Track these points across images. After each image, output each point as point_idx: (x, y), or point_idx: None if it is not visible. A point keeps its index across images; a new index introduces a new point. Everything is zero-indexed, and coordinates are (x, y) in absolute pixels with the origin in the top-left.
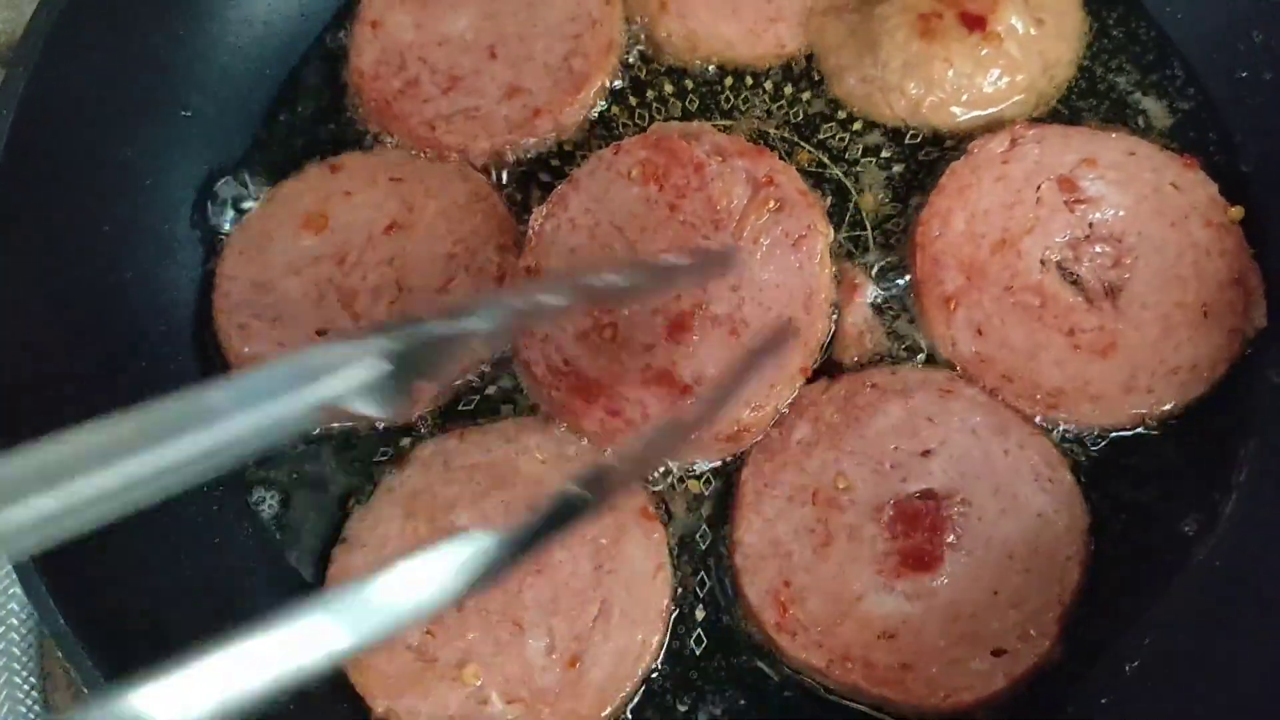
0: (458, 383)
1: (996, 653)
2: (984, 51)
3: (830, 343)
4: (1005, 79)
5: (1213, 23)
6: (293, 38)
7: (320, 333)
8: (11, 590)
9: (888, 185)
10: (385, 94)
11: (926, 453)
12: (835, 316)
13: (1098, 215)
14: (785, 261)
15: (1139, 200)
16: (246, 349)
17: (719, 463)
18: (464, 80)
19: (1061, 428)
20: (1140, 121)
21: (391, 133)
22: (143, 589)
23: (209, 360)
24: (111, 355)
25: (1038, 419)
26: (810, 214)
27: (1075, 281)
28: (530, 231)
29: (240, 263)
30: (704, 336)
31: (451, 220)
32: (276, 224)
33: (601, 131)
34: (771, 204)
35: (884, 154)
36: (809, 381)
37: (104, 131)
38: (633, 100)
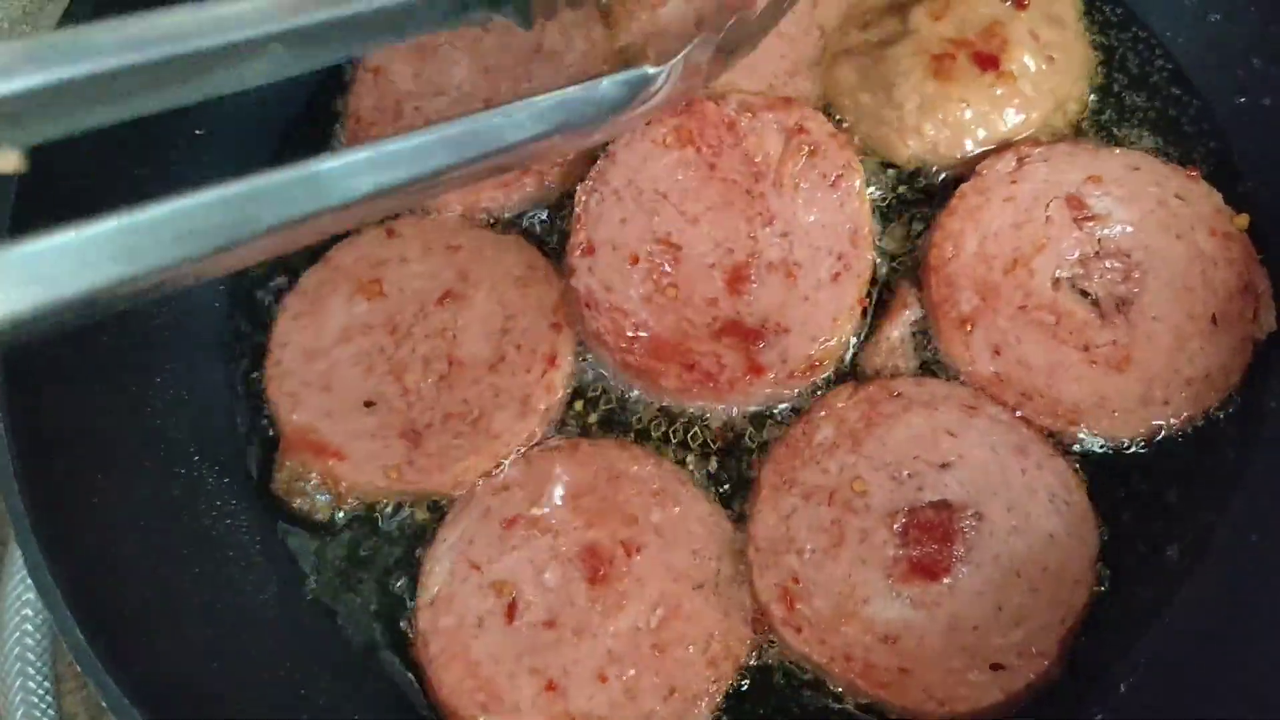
0: None
1: (995, 667)
2: (999, 91)
3: (861, 349)
4: (1020, 116)
5: (1215, 49)
6: None
7: (368, 404)
8: (25, 596)
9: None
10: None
11: (945, 465)
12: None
13: (1106, 231)
14: (827, 201)
15: (1145, 214)
16: (296, 417)
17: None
18: None
19: (1080, 444)
20: (1143, 142)
21: None
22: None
23: (230, 383)
24: (129, 371)
25: (1059, 434)
26: (844, 154)
27: (1088, 297)
28: (577, 208)
29: (293, 328)
30: (762, 282)
31: (505, 293)
32: (331, 289)
33: None
34: (805, 149)
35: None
36: (835, 383)
37: (118, 148)
38: None
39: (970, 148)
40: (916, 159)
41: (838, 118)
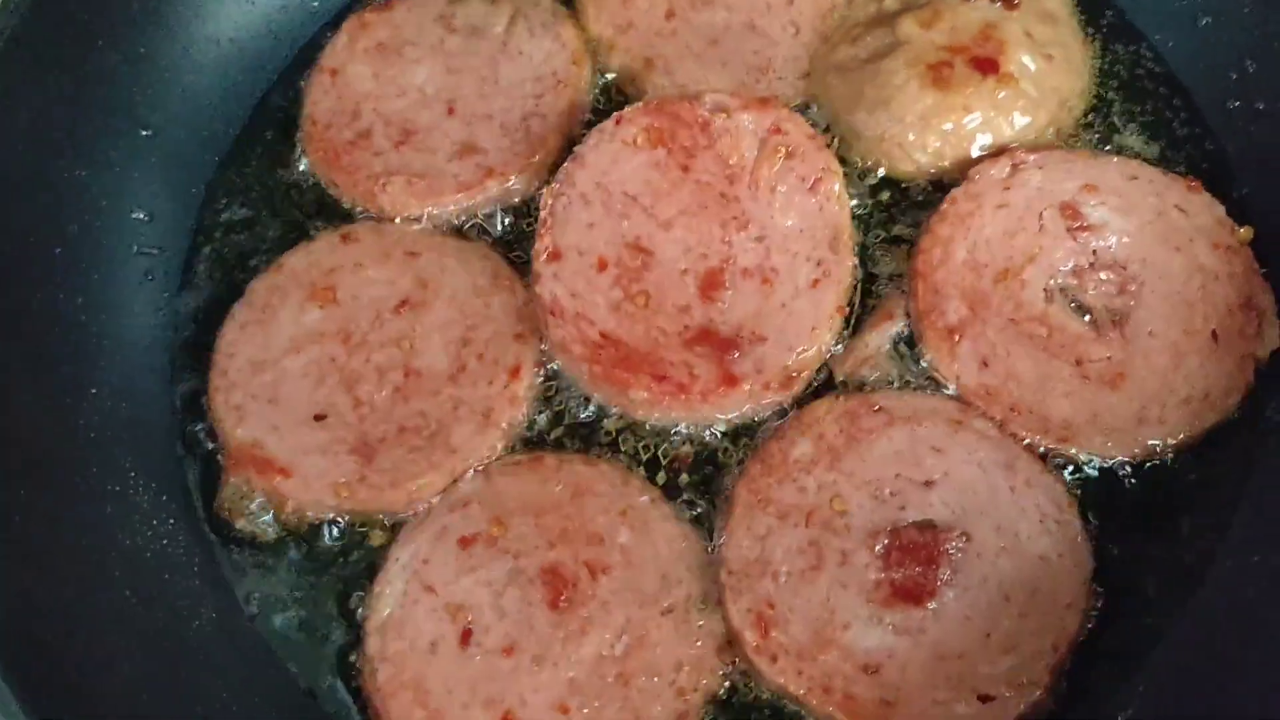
0: None
1: (984, 698)
2: (1002, 94)
3: (842, 353)
4: (1027, 118)
5: (1208, 54)
6: (262, 58)
7: (319, 417)
8: None
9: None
10: (336, 144)
11: (929, 483)
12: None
13: (1101, 242)
14: (805, 205)
15: (1142, 225)
16: (240, 432)
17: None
18: (417, 135)
19: (1072, 464)
20: (1138, 148)
21: (337, 184)
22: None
23: (171, 395)
24: (63, 382)
25: (1049, 452)
26: (821, 156)
27: (1081, 310)
28: (543, 212)
29: (241, 337)
30: (737, 289)
31: (466, 301)
32: (281, 297)
33: None
34: (782, 152)
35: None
36: (815, 397)
37: (59, 150)
38: None
39: (978, 155)
40: (922, 172)
41: (824, 127)
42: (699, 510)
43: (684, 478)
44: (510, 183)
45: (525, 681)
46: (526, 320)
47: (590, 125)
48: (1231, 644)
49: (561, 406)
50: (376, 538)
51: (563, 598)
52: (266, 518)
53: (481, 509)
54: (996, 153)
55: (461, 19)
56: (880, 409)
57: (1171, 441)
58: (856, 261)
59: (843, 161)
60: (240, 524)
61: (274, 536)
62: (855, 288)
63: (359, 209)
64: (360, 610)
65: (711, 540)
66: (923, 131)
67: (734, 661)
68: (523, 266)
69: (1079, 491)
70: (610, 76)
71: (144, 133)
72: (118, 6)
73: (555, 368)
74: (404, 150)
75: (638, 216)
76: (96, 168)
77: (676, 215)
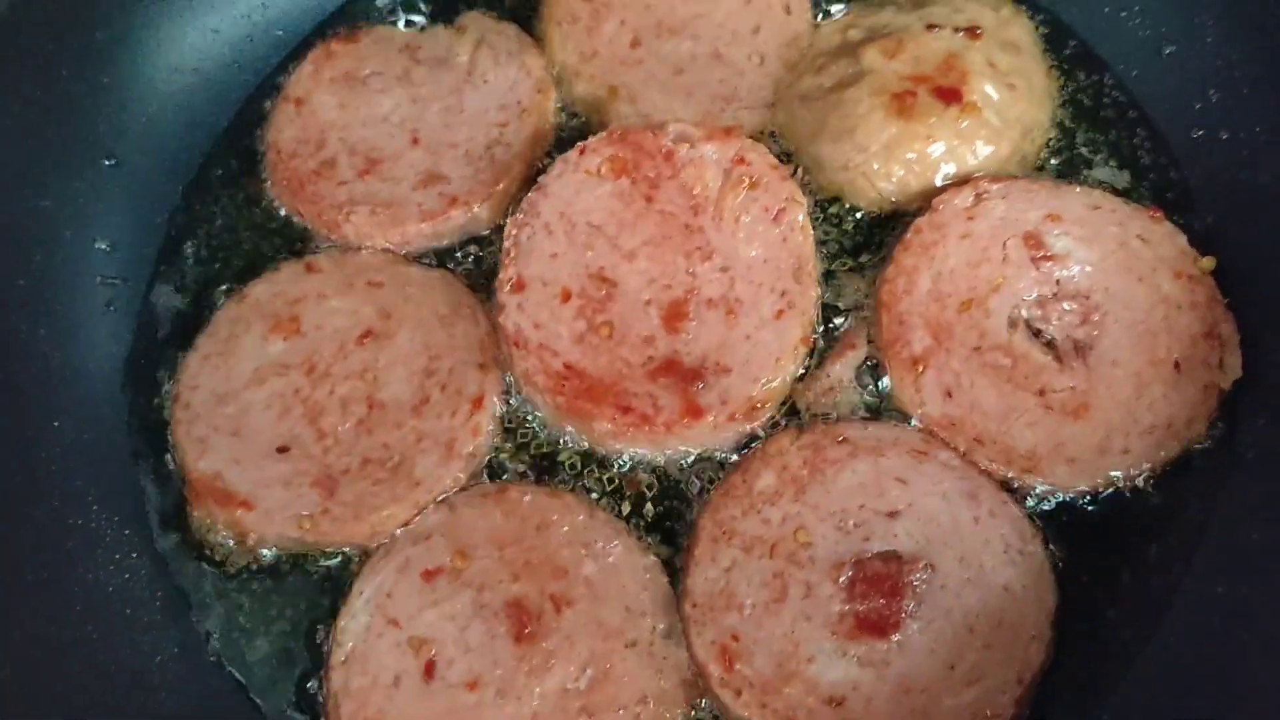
0: None
1: None
2: (964, 123)
3: (800, 382)
4: (990, 147)
5: (1171, 83)
6: (227, 87)
7: (281, 449)
8: None
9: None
10: (300, 173)
11: (893, 514)
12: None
13: (1064, 272)
14: (769, 236)
15: (1105, 255)
16: (202, 464)
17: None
18: (382, 164)
19: (1036, 494)
20: (1102, 177)
21: (300, 213)
22: None
23: (134, 427)
24: (24, 413)
25: (1013, 482)
26: (785, 186)
27: (1045, 340)
28: (506, 242)
29: (204, 369)
30: (701, 320)
31: (430, 332)
32: (244, 327)
33: None
34: (746, 182)
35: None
36: (775, 428)
37: (20, 179)
38: None
39: (942, 184)
40: (886, 201)
41: (788, 155)
42: (662, 543)
43: (648, 509)
44: (474, 211)
45: (489, 715)
46: (489, 350)
47: (555, 154)
48: (1196, 674)
49: (525, 438)
50: (339, 570)
51: (527, 630)
52: (231, 548)
53: (445, 541)
54: (960, 182)
55: (426, 50)
56: (844, 440)
57: (1135, 471)
58: (820, 292)
59: (807, 190)
60: (212, 552)
61: (236, 569)
62: (819, 318)
63: (323, 238)
64: (323, 642)
65: (676, 573)
66: (887, 160)
67: (699, 695)
68: (486, 295)
69: (1042, 522)
70: (575, 106)
71: (107, 163)
72: (81, 36)
73: (518, 399)
74: (368, 179)
75: (601, 247)
76: (59, 198)
77: (640, 245)
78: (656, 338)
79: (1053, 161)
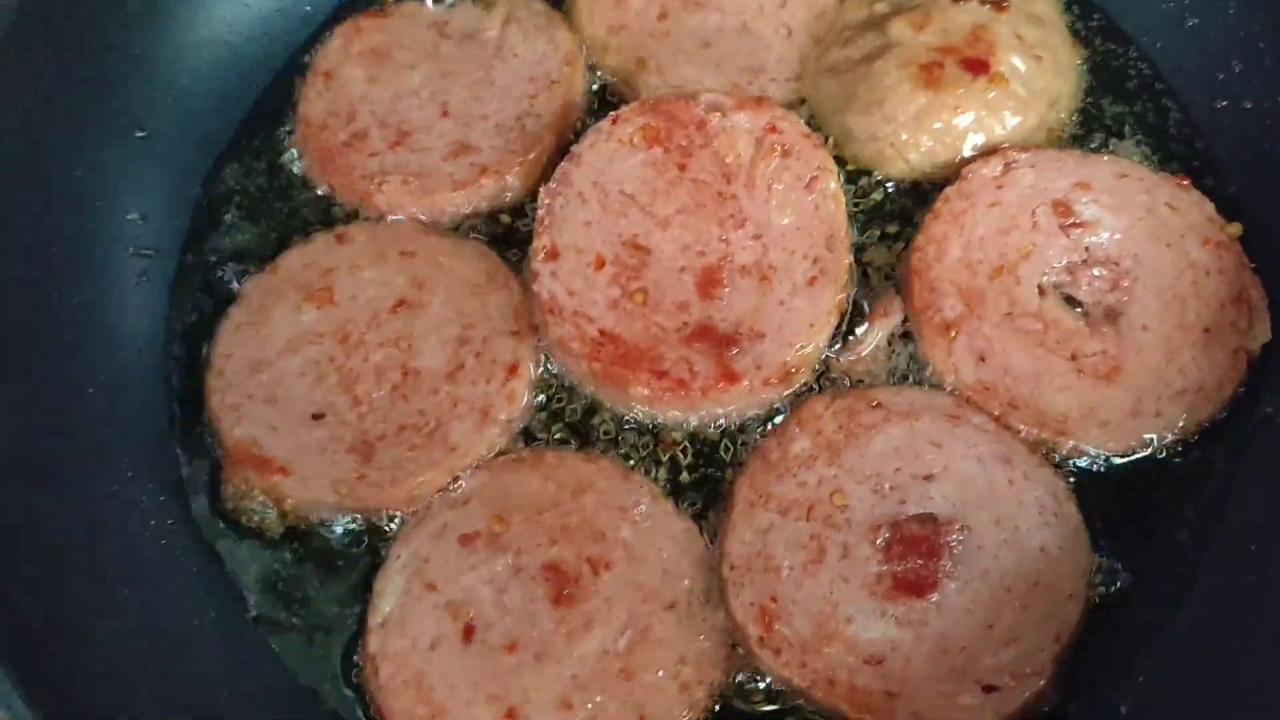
0: None
1: (988, 689)
2: (992, 94)
3: (834, 348)
4: (1017, 118)
5: (1195, 54)
6: (257, 60)
7: (317, 416)
8: None
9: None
10: (330, 146)
11: (928, 477)
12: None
13: (1094, 239)
14: (801, 204)
15: (1134, 222)
16: (238, 431)
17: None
18: (413, 135)
19: (1070, 458)
20: (1128, 148)
21: (332, 185)
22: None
23: (169, 396)
24: (57, 383)
25: (1046, 445)
26: (817, 155)
27: (1076, 306)
28: (540, 211)
29: (237, 339)
30: (735, 287)
31: (463, 301)
32: (276, 297)
33: None
34: (778, 150)
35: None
36: (810, 393)
37: (52, 150)
38: None
39: (970, 155)
40: (914, 172)
41: (817, 127)
42: (698, 507)
43: (683, 475)
44: (506, 180)
45: (528, 678)
46: (523, 318)
47: (584, 126)
48: (1231, 632)
49: (561, 404)
50: (376, 535)
51: (565, 593)
52: (271, 514)
53: (482, 506)
54: (988, 152)
55: (455, 25)
56: (878, 405)
57: (1167, 434)
58: (852, 259)
59: (836, 161)
60: (243, 521)
61: (274, 535)
62: (852, 284)
63: (354, 209)
64: (361, 608)
65: (712, 536)
66: (915, 131)
67: (738, 656)
68: (518, 264)
69: (1074, 485)
70: (604, 78)
71: (139, 134)
72: (113, 7)
73: (553, 366)
74: (399, 150)
75: (635, 215)
76: (91, 169)
77: (674, 213)
78: (690, 304)
79: (1079, 133)
